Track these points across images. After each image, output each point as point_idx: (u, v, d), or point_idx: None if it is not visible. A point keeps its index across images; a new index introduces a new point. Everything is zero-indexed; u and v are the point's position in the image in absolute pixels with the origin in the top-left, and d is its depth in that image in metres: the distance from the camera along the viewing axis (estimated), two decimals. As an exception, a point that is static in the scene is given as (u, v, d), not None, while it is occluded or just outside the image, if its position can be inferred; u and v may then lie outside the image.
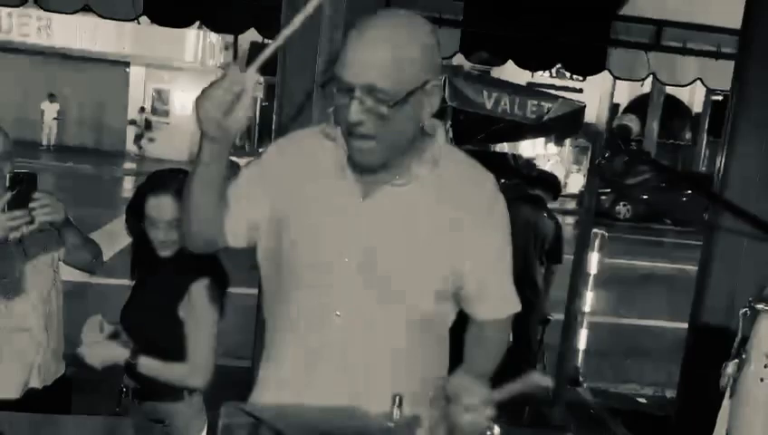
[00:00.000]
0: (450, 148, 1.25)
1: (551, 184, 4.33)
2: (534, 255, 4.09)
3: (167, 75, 18.92)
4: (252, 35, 4.37)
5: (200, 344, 1.84)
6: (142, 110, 18.58)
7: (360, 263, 1.17)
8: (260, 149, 16.76)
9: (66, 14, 4.10)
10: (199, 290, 1.83)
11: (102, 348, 1.83)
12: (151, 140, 18.77)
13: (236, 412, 0.82)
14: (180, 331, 1.85)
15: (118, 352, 1.83)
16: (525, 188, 4.26)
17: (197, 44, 17.16)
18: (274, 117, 2.67)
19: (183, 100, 19.21)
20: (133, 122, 18.51)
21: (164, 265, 1.87)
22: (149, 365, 1.84)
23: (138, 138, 18.60)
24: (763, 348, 1.32)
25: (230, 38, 17.20)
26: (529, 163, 17.46)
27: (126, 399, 1.93)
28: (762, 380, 1.31)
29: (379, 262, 1.17)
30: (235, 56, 17.89)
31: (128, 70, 18.82)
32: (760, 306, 1.33)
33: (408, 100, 1.09)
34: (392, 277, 1.17)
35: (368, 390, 1.14)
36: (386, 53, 1.08)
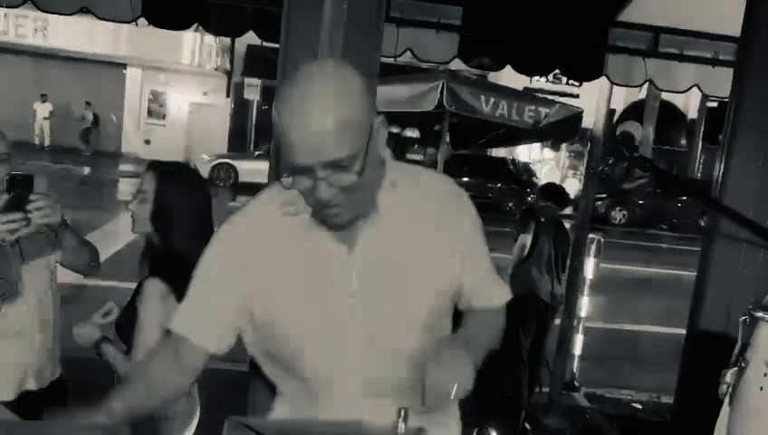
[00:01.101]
0: (396, 164, 1.22)
1: (561, 196, 4.64)
2: (554, 267, 4.41)
3: (163, 77, 18.91)
4: (250, 38, 4.37)
5: (140, 344, 1.80)
6: (88, 104, 18.15)
7: (365, 312, 1.15)
8: (256, 152, 16.75)
9: (64, 15, 4.08)
10: (150, 288, 1.79)
11: (89, 329, 1.87)
12: (147, 142, 18.72)
13: (239, 427, 0.81)
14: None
15: (93, 335, 1.86)
16: (540, 203, 4.56)
17: (195, 47, 17.16)
18: (273, 119, 2.66)
19: (179, 102, 19.20)
20: (82, 119, 18.13)
21: (164, 261, 1.88)
22: (109, 353, 1.86)
23: (85, 133, 18.24)
24: (763, 356, 1.31)
25: (227, 41, 17.21)
26: (528, 168, 17.55)
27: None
28: (761, 388, 1.30)
29: (383, 301, 1.16)
30: (232, 59, 17.90)
31: (124, 72, 18.81)
32: (759, 314, 1.32)
33: (368, 153, 1.05)
34: (398, 313, 1.17)
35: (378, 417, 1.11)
36: (333, 121, 1.00)
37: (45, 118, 17.95)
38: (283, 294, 1.16)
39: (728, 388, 1.39)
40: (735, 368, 1.37)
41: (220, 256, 1.22)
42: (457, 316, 1.33)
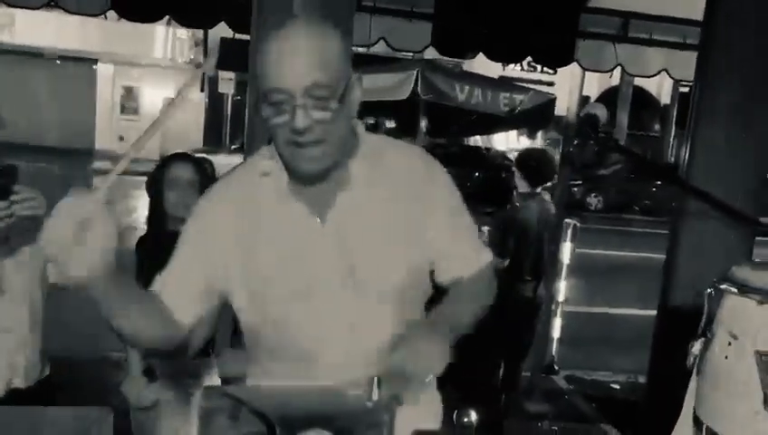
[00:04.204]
0: (371, 136, 1.25)
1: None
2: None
3: (136, 72, 18.63)
4: (222, 30, 4.33)
5: None
6: None
7: (343, 281, 1.16)
8: (232, 146, 16.62)
9: (31, 8, 4.02)
10: None
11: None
12: (121, 138, 18.46)
13: (215, 396, 0.82)
14: None
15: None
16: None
17: (167, 40, 16.93)
18: (247, 111, 2.66)
19: (153, 97, 18.95)
20: None
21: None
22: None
23: None
24: (728, 327, 1.36)
25: (200, 34, 16.99)
26: (505, 157, 17.63)
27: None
28: (726, 357, 1.35)
29: (359, 273, 1.17)
30: (206, 52, 17.67)
31: (95, 67, 18.49)
32: (724, 286, 1.37)
33: (345, 94, 1.09)
34: (375, 281, 1.18)
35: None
36: (320, 50, 1.06)
37: None
38: (261, 261, 1.17)
39: (695, 359, 1.43)
40: (702, 339, 1.41)
41: (200, 225, 1.23)
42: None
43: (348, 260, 1.16)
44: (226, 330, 2.14)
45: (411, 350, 1.07)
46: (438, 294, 1.33)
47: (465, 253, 1.32)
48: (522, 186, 3.67)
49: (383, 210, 1.19)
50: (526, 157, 3.79)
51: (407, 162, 1.25)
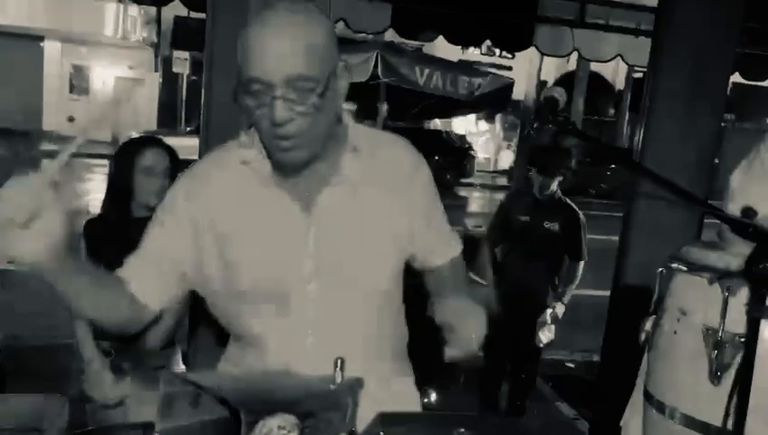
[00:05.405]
0: (357, 126, 1.21)
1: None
2: None
3: (85, 51, 18.00)
4: (177, 9, 4.22)
5: None
6: None
7: (323, 273, 1.13)
8: (188, 128, 16.25)
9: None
10: None
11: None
12: (71, 119, 17.84)
13: (176, 381, 0.81)
14: None
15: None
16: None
17: (118, 18, 16.36)
18: (203, 92, 2.60)
19: (103, 76, 18.36)
20: None
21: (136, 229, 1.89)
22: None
23: None
24: (677, 304, 1.42)
25: (153, 12, 16.50)
26: (464, 140, 17.78)
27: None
28: (675, 332, 1.41)
29: (340, 264, 1.14)
30: (159, 31, 17.19)
31: (42, 45, 17.76)
32: (674, 265, 1.42)
33: (329, 85, 1.04)
34: (355, 273, 1.16)
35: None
36: (302, 40, 1.00)
37: None
38: (238, 248, 1.13)
39: (647, 335, 1.49)
40: (653, 316, 1.47)
41: (175, 209, 1.17)
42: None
43: (330, 254, 1.13)
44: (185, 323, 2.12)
45: (467, 321, 1.09)
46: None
47: (442, 246, 1.32)
48: (555, 186, 3.60)
49: (370, 206, 1.16)
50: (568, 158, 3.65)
51: (395, 156, 1.22)
